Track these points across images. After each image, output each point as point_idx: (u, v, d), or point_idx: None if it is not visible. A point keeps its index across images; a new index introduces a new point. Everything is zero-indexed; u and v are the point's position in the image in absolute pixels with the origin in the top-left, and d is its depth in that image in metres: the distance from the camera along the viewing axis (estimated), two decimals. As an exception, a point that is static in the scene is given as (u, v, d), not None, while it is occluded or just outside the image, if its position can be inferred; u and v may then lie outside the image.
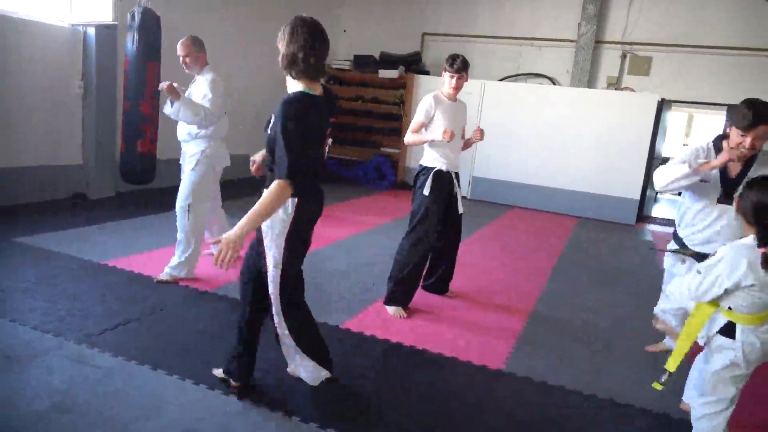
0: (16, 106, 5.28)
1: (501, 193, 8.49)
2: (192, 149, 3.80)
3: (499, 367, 3.01)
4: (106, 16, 5.87)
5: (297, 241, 2.26)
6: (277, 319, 2.34)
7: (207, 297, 3.59)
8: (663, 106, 8.03)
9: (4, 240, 4.24)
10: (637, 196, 7.89)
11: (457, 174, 3.81)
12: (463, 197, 8.49)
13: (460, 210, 3.85)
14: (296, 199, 2.18)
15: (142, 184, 5.53)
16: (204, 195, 3.87)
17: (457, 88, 3.72)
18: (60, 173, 5.74)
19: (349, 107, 9.72)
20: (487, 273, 4.84)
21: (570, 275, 5.00)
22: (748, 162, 2.67)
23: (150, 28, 5.20)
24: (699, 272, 2.07)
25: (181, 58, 3.78)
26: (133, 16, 5.21)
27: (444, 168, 3.67)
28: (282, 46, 2.18)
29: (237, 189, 6.12)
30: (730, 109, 2.60)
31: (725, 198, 2.69)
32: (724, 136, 2.71)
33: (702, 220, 2.79)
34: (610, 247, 6.46)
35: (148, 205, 5.81)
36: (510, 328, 3.58)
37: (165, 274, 3.78)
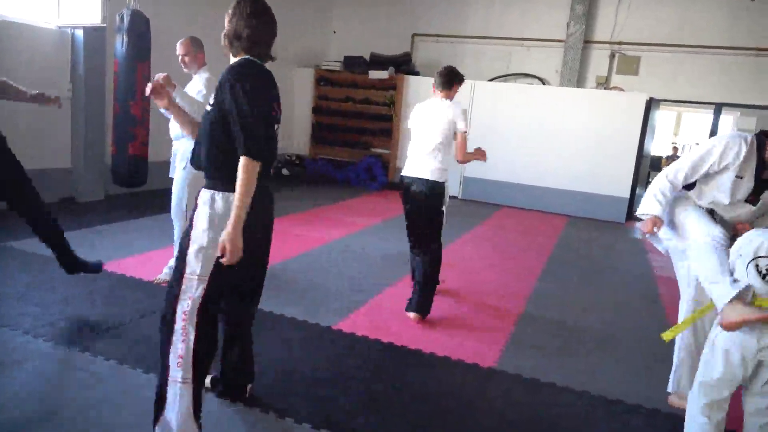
0: (3, 109, 5.22)
1: (491, 192, 8.53)
2: (183, 146, 3.78)
3: (491, 365, 3.03)
4: (95, 18, 5.85)
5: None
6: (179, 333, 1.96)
7: (199, 299, 3.58)
8: (651, 105, 8.11)
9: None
10: (627, 195, 7.96)
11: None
12: (454, 197, 8.58)
13: None
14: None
15: (133, 187, 5.50)
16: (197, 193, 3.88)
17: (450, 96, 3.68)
18: (48, 177, 5.69)
19: (340, 108, 9.73)
20: (478, 272, 4.86)
21: (560, 274, 5.04)
22: None
23: (139, 29, 5.17)
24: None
25: (180, 57, 3.80)
26: (122, 18, 5.18)
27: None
28: (226, 23, 2.03)
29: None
30: None
31: (753, 197, 2.58)
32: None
33: (725, 211, 2.64)
34: (600, 245, 6.52)
35: (139, 208, 5.78)
36: (501, 327, 3.61)
37: (165, 274, 3.81)
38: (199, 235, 1.97)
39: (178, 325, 1.96)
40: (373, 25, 10.24)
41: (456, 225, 6.74)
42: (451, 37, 9.75)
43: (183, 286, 1.98)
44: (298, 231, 5.62)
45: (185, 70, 3.87)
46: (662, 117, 10.05)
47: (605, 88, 8.69)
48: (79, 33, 5.69)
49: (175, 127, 3.87)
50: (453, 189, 8.68)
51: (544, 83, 9.28)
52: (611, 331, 3.76)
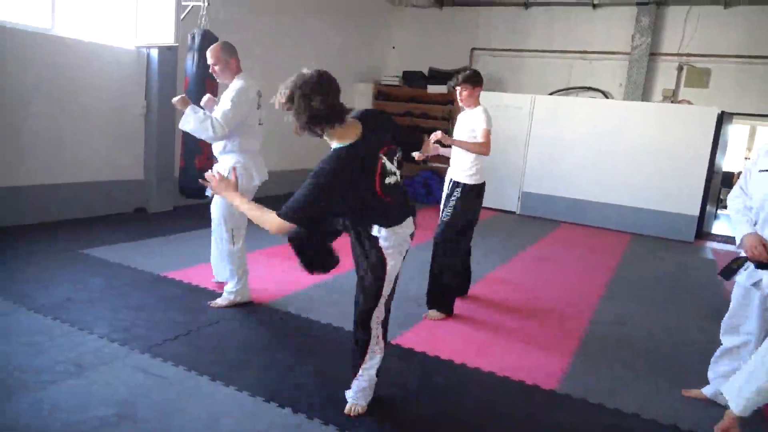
0: (85, 125, 5.59)
1: (551, 208, 8.35)
2: (224, 164, 3.54)
3: (553, 387, 2.95)
4: (168, 38, 6.14)
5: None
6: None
7: (264, 309, 3.68)
8: (723, 119, 7.74)
9: (71, 252, 4.47)
10: (696, 212, 7.60)
11: (452, 181, 4.00)
12: (512, 213, 8.45)
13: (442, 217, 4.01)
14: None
15: (199, 198, 5.72)
16: (240, 214, 3.49)
17: (461, 100, 3.93)
18: (122, 188, 6.02)
19: (398, 123, 9.79)
20: (538, 290, 4.76)
21: (625, 294, 4.86)
22: None
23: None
24: None
25: (210, 67, 3.52)
26: (193, 38, 5.44)
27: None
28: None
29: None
30: None
31: None
32: None
33: None
34: (668, 264, 6.25)
35: (204, 219, 5.98)
36: (563, 349, 3.51)
37: (223, 299, 3.65)
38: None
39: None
40: (432, 40, 10.30)
41: (515, 241, 6.63)
42: (510, 50, 9.67)
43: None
44: (356, 244, 5.67)
45: (218, 80, 3.62)
46: (735, 131, 9.58)
47: (672, 102, 8.37)
48: (154, 53, 6.01)
49: (217, 145, 3.61)
50: (510, 204, 8.57)
51: (607, 97, 9.04)
52: (681, 356, 3.58)
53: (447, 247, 3.88)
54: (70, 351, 2.83)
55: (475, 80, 3.84)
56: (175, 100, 3.49)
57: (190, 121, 3.41)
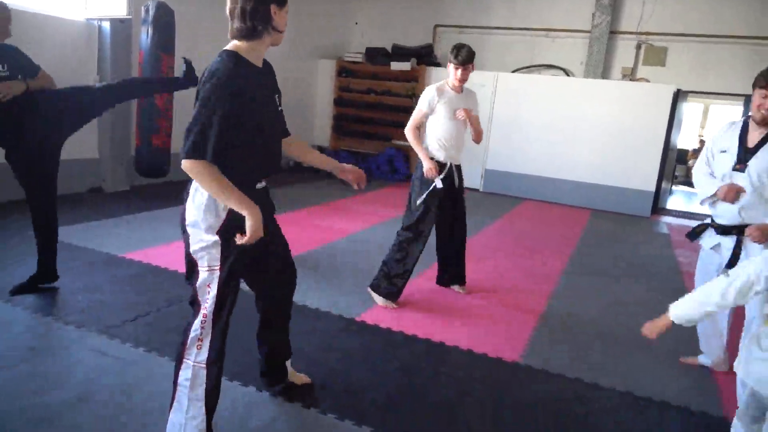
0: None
1: (513, 185, 8.46)
2: None
3: (516, 359, 3.01)
4: (121, 10, 5.90)
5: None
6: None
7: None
8: (679, 97, 7.94)
9: (23, 234, 4.29)
10: (652, 188, 7.83)
11: (458, 167, 3.73)
12: (476, 190, 8.52)
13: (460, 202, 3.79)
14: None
15: (157, 177, 5.58)
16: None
17: (462, 80, 3.54)
18: (76, 167, 5.78)
19: (361, 100, 9.71)
20: (501, 266, 4.83)
21: (584, 269, 4.98)
22: None
23: (164, 21, 5.23)
24: (728, 275, 1.91)
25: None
26: (147, 10, 5.24)
27: (442, 159, 3.64)
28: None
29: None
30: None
31: (739, 164, 2.64)
32: None
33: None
34: (626, 239, 6.42)
35: (163, 199, 5.85)
36: (525, 322, 3.58)
37: None
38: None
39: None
40: (395, 17, 10.18)
41: (477, 218, 6.70)
42: (473, 27, 9.64)
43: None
44: (320, 222, 5.64)
45: None
46: (689, 109, 9.85)
47: (631, 80, 8.53)
48: (106, 25, 5.76)
49: None
50: (474, 182, 8.63)
51: (568, 74, 9.14)
52: (637, 327, 3.69)
53: None
54: (24, 335, 2.73)
55: (473, 59, 3.55)
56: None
57: None
